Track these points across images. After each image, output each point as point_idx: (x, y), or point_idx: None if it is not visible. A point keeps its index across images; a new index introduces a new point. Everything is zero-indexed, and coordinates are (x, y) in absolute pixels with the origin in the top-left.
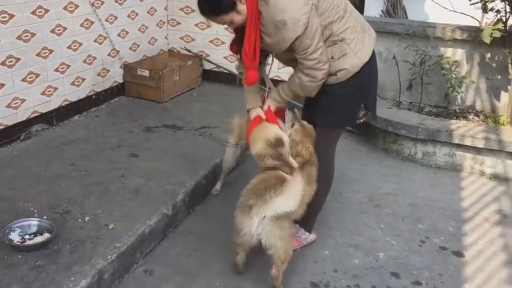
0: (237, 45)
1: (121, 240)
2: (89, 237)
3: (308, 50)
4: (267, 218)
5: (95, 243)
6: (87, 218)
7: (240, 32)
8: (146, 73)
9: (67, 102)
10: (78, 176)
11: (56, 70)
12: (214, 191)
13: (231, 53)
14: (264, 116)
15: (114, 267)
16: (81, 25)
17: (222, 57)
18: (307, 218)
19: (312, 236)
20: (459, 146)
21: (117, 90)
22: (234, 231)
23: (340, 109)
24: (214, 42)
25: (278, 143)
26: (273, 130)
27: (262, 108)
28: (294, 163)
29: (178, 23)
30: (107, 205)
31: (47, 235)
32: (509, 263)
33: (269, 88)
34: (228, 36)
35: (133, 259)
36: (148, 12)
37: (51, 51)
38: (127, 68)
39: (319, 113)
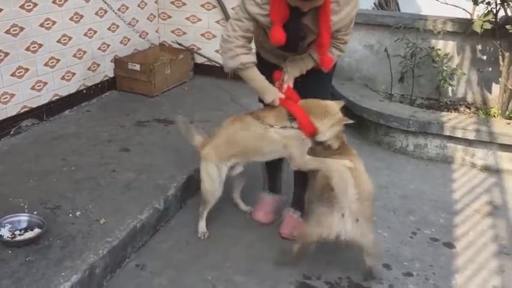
0: (282, 33)
1: (112, 235)
2: (80, 232)
3: (351, 26)
4: (360, 222)
5: (86, 238)
6: (78, 213)
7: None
8: (137, 67)
9: (57, 97)
10: (68, 171)
11: (46, 64)
12: (203, 235)
13: None
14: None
15: (105, 262)
16: (71, 19)
17: (214, 51)
18: (301, 199)
19: None
20: (450, 138)
21: (108, 85)
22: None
23: (327, 88)
24: (206, 36)
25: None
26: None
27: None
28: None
29: (169, 17)
30: (98, 200)
31: (37, 230)
32: (499, 253)
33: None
34: (218, 29)
35: (125, 254)
36: (138, 5)
37: (40, 45)
38: (118, 62)
39: (311, 92)
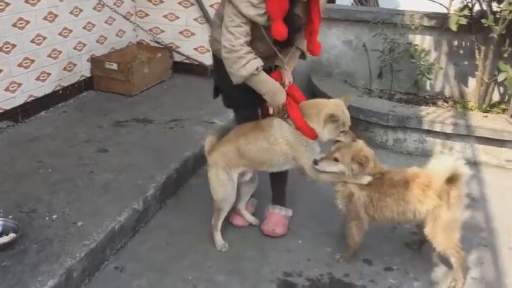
0: (284, 27)
1: (90, 238)
2: (56, 236)
3: None
4: None
5: (63, 241)
6: (55, 216)
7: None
8: (114, 66)
9: (32, 98)
10: (45, 173)
11: (20, 65)
12: (222, 247)
13: (201, 44)
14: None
15: (83, 265)
16: (45, 18)
17: (193, 49)
18: (280, 194)
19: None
20: (429, 132)
21: (85, 85)
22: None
23: None
24: (184, 34)
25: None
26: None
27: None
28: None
29: (147, 15)
30: (75, 202)
31: (12, 235)
32: (478, 245)
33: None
34: (196, 27)
35: (103, 256)
36: (115, 3)
37: (13, 45)
38: (94, 61)
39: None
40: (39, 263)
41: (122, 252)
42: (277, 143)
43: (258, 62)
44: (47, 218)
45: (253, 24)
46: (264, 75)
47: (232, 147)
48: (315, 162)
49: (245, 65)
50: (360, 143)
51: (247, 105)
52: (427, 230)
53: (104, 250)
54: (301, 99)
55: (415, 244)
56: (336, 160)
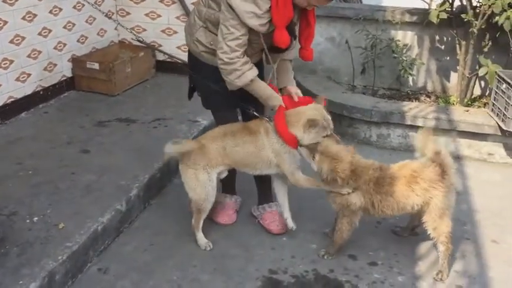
0: (287, 35)
1: (72, 240)
2: (37, 238)
3: None
4: None
5: (44, 244)
6: (36, 218)
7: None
8: (96, 66)
9: (12, 99)
10: (25, 176)
11: None
12: (206, 246)
13: (184, 42)
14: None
15: (66, 268)
16: (23, 18)
17: (175, 47)
18: (267, 191)
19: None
20: (412, 127)
21: (66, 85)
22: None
23: None
24: (166, 32)
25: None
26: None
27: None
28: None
29: (128, 13)
30: (56, 204)
31: None
32: (461, 238)
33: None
34: (179, 25)
35: (86, 258)
36: (95, 2)
37: None
38: (75, 61)
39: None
40: (20, 266)
41: (106, 253)
42: (263, 148)
43: (253, 72)
44: (28, 221)
45: (251, 32)
46: (259, 83)
47: (216, 146)
48: (300, 144)
49: (240, 77)
50: (343, 152)
51: (227, 106)
52: (425, 218)
53: (86, 252)
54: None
55: (405, 231)
56: (313, 158)
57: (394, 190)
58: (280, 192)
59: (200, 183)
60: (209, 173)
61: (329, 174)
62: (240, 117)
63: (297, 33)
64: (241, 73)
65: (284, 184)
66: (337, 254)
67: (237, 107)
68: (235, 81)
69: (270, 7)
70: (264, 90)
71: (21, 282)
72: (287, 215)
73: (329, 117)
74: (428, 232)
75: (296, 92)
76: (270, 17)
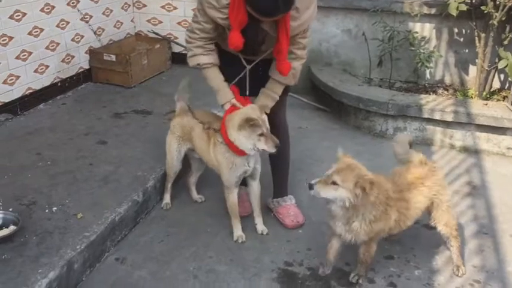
0: (240, 38)
1: (90, 229)
2: (56, 228)
3: (310, 29)
4: None
5: (63, 233)
6: (55, 208)
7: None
8: (113, 58)
9: (31, 91)
10: (44, 166)
11: (17, 58)
12: (165, 206)
13: None
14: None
15: (84, 257)
16: (42, 10)
17: None
18: (283, 183)
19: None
20: (429, 121)
21: (83, 77)
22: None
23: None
24: (182, 24)
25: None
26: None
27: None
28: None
29: (144, 5)
30: (75, 194)
31: (12, 227)
32: (478, 233)
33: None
34: None
35: (104, 248)
36: None
37: (10, 38)
38: (93, 53)
39: None
40: (39, 255)
41: (123, 243)
42: (209, 153)
43: (206, 59)
44: (47, 211)
45: (218, 25)
46: (211, 73)
47: (189, 126)
48: (310, 186)
49: (191, 57)
50: (359, 166)
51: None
52: (434, 216)
53: (104, 242)
54: None
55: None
56: (334, 184)
57: (409, 200)
58: (252, 194)
59: (170, 150)
60: (179, 145)
61: (356, 190)
62: None
63: (265, 42)
64: (192, 54)
65: (257, 187)
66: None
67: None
68: (188, 59)
69: (229, 4)
70: (213, 82)
71: (40, 270)
72: (257, 220)
73: (265, 117)
74: (439, 229)
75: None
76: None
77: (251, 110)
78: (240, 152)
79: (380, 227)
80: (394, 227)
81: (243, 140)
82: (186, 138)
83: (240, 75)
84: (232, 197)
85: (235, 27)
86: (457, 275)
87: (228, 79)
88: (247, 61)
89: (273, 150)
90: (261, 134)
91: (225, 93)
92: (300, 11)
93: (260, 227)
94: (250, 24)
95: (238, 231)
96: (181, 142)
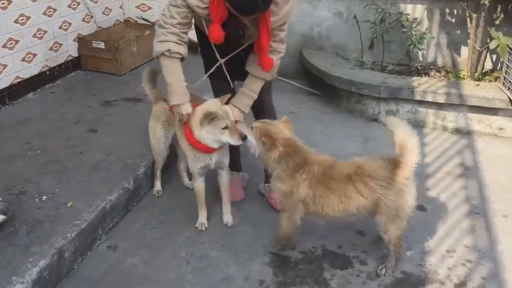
0: (221, 32)
1: (80, 218)
2: (46, 217)
3: (287, 22)
4: None
5: (53, 222)
6: (45, 197)
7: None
8: (102, 45)
9: (19, 80)
10: (33, 155)
11: (4, 46)
12: (157, 193)
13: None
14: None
15: (75, 245)
16: None
17: None
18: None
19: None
20: (421, 103)
21: (72, 65)
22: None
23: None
24: (167, 7)
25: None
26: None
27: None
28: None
29: None
30: (64, 183)
31: (1, 217)
32: (470, 213)
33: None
34: None
35: (95, 235)
36: None
37: None
38: (81, 40)
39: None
40: (29, 244)
41: (114, 231)
42: (182, 140)
43: (177, 48)
44: (37, 200)
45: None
46: (174, 65)
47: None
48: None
49: (162, 42)
50: (281, 126)
51: (221, 75)
52: (377, 219)
53: (95, 229)
54: None
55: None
56: (252, 129)
57: (336, 188)
58: (221, 183)
59: (155, 136)
60: (166, 130)
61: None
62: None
63: (246, 35)
64: (163, 39)
65: (226, 176)
66: (282, 248)
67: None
68: (156, 45)
69: None
70: (172, 77)
71: (30, 259)
72: (225, 209)
73: (227, 109)
74: (380, 233)
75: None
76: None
77: (210, 104)
78: (205, 150)
79: (284, 189)
80: (312, 207)
81: (206, 136)
82: (171, 123)
83: (211, 71)
84: (197, 184)
85: (216, 21)
86: (378, 273)
87: (212, 62)
88: (223, 55)
89: (238, 142)
90: (225, 127)
91: (183, 93)
92: (279, 5)
93: (226, 217)
94: (230, 18)
95: (201, 219)
96: (167, 127)
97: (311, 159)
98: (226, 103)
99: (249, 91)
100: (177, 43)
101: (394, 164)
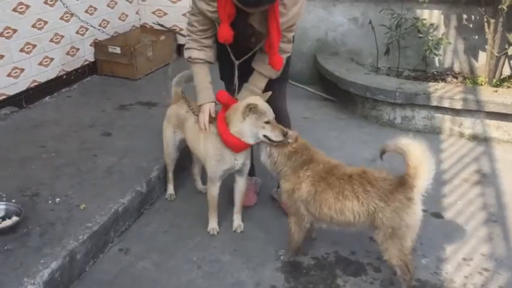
0: (229, 31)
1: (93, 220)
2: (59, 219)
3: (296, 24)
4: None
5: (65, 224)
6: (58, 199)
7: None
8: (118, 50)
9: (36, 84)
10: (48, 158)
11: (21, 50)
12: (170, 197)
13: None
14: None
15: (87, 248)
16: (45, 2)
17: None
18: None
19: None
20: (437, 108)
21: (89, 70)
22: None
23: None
24: (188, 16)
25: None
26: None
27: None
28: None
29: None
30: (78, 186)
31: (15, 218)
32: (488, 221)
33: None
34: None
35: (107, 238)
36: None
37: (14, 30)
38: (97, 45)
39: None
40: (42, 245)
41: (127, 234)
42: (199, 143)
43: (197, 54)
44: (50, 202)
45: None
46: (199, 69)
47: (184, 115)
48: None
49: (186, 50)
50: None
51: (226, 77)
52: (375, 236)
53: (107, 232)
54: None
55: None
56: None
57: (336, 184)
58: (237, 190)
59: (165, 138)
60: (175, 132)
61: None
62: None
63: (255, 35)
64: (188, 46)
65: (243, 184)
66: (296, 256)
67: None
68: (184, 52)
69: None
70: (199, 80)
71: (42, 261)
72: (236, 216)
73: (268, 105)
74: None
75: None
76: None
77: (253, 99)
78: (237, 146)
79: (288, 187)
80: (312, 207)
81: (247, 128)
82: (179, 128)
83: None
84: (214, 189)
85: (224, 20)
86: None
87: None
88: (237, 57)
89: (280, 138)
90: (267, 122)
91: (208, 95)
92: (288, 7)
93: (237, 222)
94: (238, 17)
95: (213, 224)
96: (176, 130)
97: (318, 158)
98: (267, 102)
99: (255, 87)
100: (197, 49)
101: (400, 180)
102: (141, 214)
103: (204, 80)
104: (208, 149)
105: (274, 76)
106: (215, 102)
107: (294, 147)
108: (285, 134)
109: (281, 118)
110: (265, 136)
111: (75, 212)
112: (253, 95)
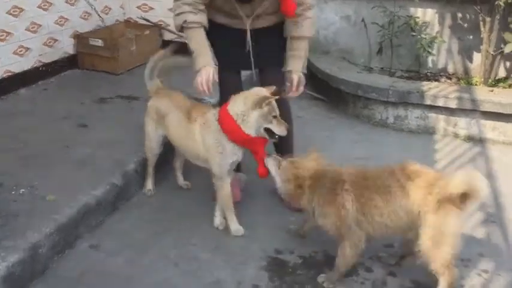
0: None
1: (60, 212)
2: (22, 210)
3: None
4: None
5: (30, 216)
6: (22, 190)
7: None
8: (99, 43)
9: (10, 74)
10: (16, 149)
11: None
12: (149, 192)
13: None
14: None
15: (53, 241)
16: None
17: None
18: None
19: None
20: (431, 108)
21: (68, 62)
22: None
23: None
24: None
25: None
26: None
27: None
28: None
29: None
30: (46, 177)
31: None
32: (486, 221)
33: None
34: None
35: (77, 233)
36: None
37: None
38: (78, 38)
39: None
40: (3, 237)
41: (99, 229)
42: (193, 139)
43: (193, 18)
44: (13, 192)
45: None
46: (195, 33)
47: (165, 110)
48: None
49: (178, 15)
50: (312, 162)
51: (228, 68)
52: (419, 243)
53: (76, 226)
54: None
55: (392, 259)
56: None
57: (379, 185)
58: None
59: (147, 132)
60: (156, 128)
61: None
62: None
63: None
64: (181, 11)
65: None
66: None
67: (238, 69)
68: (175, 19)
69: None
70: (196, 44)
71: (2, 254)
72: (218, 213)
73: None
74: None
75: (291, 83)
76: None
77: (260, 90)
78: (238, 137)
79: (332, 220)
80: (364, 222)
81: (255, 118)
82: (160, 123)
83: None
84: (226, 187)
85: None
86: None
87: (222, 52)
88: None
89: (283, 133)
90: (275, 116)
91: (207, 58)
92: None
93: (218, 219)
94: None
95: (235, 225)
96: (157, 126)
97: (343, 173)
98: (274, 95)
99: (297, 51)
100: (192, 12)
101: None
102: (116, 209)
103: (203, 44)
104: (208, 142)
105: (309, 34)
106: (216, 66)
107: (309, 185)
108: (287, 130)
109: (286, 115)
110: (266, 130)
111: (41, 203)
112: (300, 61)
